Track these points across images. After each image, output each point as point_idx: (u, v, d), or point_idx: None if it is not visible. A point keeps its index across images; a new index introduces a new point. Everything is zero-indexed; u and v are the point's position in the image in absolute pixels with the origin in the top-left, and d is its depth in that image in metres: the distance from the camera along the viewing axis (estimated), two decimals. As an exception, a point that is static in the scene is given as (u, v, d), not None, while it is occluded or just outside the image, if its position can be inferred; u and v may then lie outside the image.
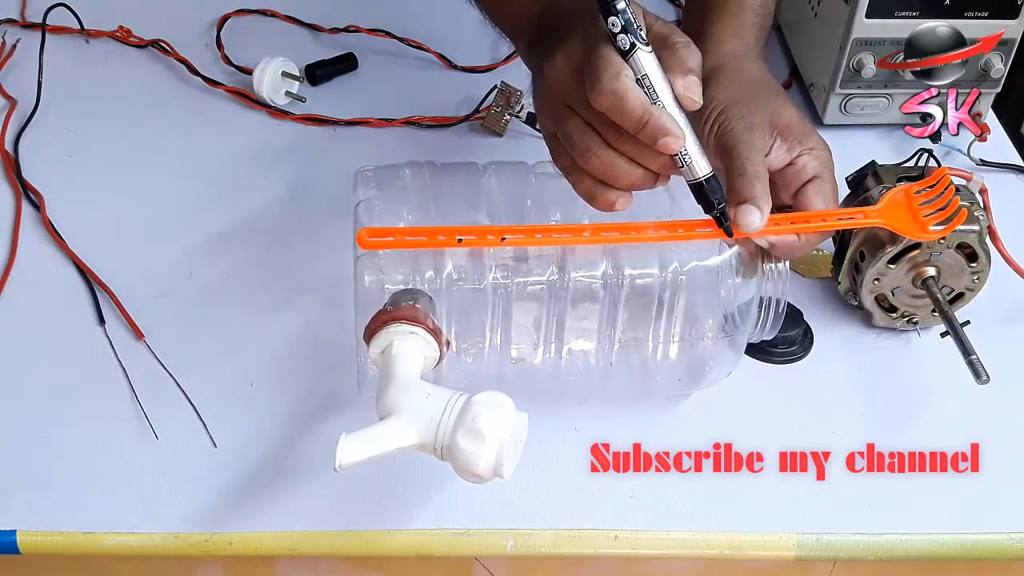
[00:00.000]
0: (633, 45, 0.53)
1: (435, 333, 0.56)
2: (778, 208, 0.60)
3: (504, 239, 0.57)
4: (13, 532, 0.59)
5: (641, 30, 0.54)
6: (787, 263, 0.61)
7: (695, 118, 0.64)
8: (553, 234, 0.58)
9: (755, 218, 0.58)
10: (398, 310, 0.56)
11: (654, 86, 0.54)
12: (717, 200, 0.57)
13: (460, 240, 0.57)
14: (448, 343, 0.58)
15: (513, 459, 0.53)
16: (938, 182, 0.63)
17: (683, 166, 0.55)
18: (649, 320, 0.61)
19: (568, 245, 0.59)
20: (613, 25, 0.53)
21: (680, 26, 0.60)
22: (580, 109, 0.56)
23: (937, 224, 0.63)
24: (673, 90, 0.54)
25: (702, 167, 0.56)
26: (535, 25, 0.63)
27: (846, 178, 0.71)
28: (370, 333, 0.56)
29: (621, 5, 0.53)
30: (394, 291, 0.57)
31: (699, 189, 0.56)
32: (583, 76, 0.54)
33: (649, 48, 0.54)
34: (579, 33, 0.56)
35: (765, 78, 0.67)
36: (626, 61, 0.54)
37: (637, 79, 0.54)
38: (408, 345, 0.55)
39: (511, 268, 0.58)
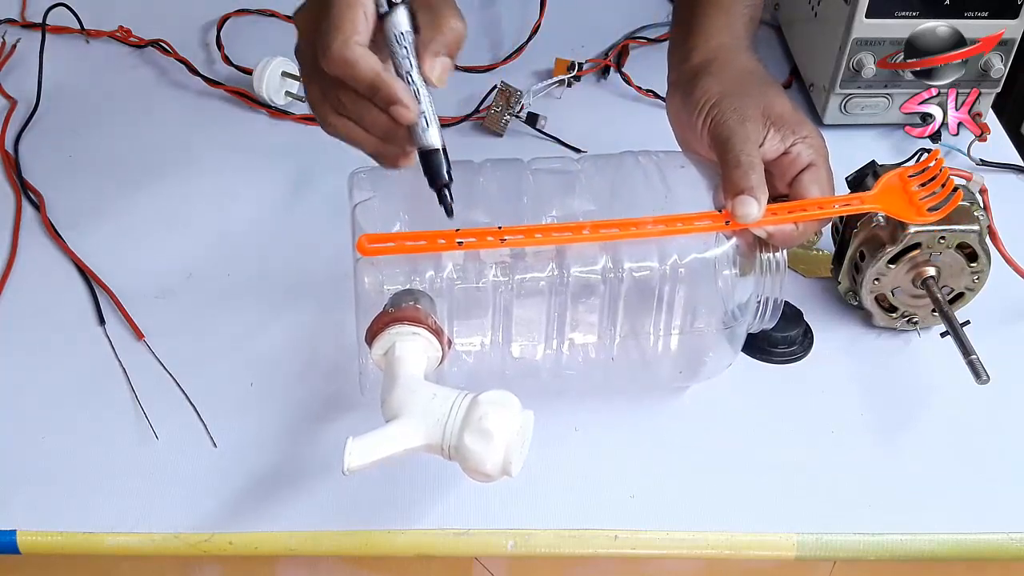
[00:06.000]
0: (391, 4, 0.53)
1: (437, 333, 0.56)
2: (774, 198, 0.60)
3: (505, 240, 0.57)
4: (13, 532, 0.59)
5: None
6: (785, 253, 0.61)
7: (688, 111, 0.64)
8: (553, 233, 0.58)
9: (752, 208, 0.58)
10: (399, 311, 0.55)
11: (397, 54, 0.54)
12: (440, 177, 0.55)
13: (460, 243, 0.57)
14: (450, 342, 0.58)
15: (520, 457, 0.54)
16: (931, 165, 0.63)
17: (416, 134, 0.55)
18: (649, 313, 0.61)
19: (568, 244, 0.59)
20: None
21: (671, 19, 0.59)
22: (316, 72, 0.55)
23: (932, 207, 0.63)
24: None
25: (432, 139, 0.54)
26: None
27: (846, 178, 0.71)
28: (372, 335, 0.56)
29: None
30: (394, 292, 0.57)
31: (426, 159, 0.55)
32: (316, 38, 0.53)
33: (403, 10, 0.54)
34: None
35: (756, 69, 0.67)
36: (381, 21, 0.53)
37: (394, 36, 0.54)
38: (411, 346, 0.55)
39: (510, 266, 0.58)
